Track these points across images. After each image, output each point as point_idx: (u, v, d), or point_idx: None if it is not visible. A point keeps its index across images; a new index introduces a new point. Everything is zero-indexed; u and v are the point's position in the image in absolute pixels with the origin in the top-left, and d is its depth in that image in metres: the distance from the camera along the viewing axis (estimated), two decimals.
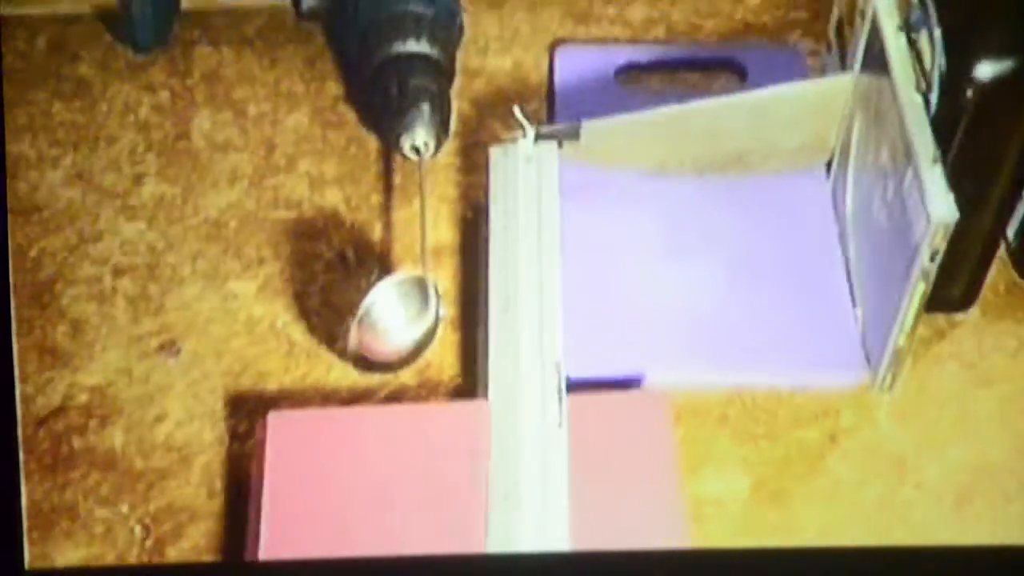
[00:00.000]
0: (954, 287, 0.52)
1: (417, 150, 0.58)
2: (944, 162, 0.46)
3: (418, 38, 0.60)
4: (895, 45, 0.49)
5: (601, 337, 0.54)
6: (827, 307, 0.55)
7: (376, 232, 0.59)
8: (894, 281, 0.49)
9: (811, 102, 0.56)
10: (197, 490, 0.51)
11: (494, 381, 0.51)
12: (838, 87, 0.55)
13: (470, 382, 0.54)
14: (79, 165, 0.61)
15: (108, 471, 0.51)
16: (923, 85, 0.48)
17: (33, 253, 0.58)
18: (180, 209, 0.60)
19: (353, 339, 0.52)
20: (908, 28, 0.49)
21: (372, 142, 0.62)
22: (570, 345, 0.52)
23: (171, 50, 0.65)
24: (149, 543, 0.49)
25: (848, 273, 0.55)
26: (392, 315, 0.52)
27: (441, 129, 0.59)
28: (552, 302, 0.53)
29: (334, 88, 0.64)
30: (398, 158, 0.60)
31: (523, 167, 0.56)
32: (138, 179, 0.61)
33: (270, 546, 0.47)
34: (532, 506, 0.47)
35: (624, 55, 0.64)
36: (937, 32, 0.46)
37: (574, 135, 0.57)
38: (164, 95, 0.64)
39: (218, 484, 0.51)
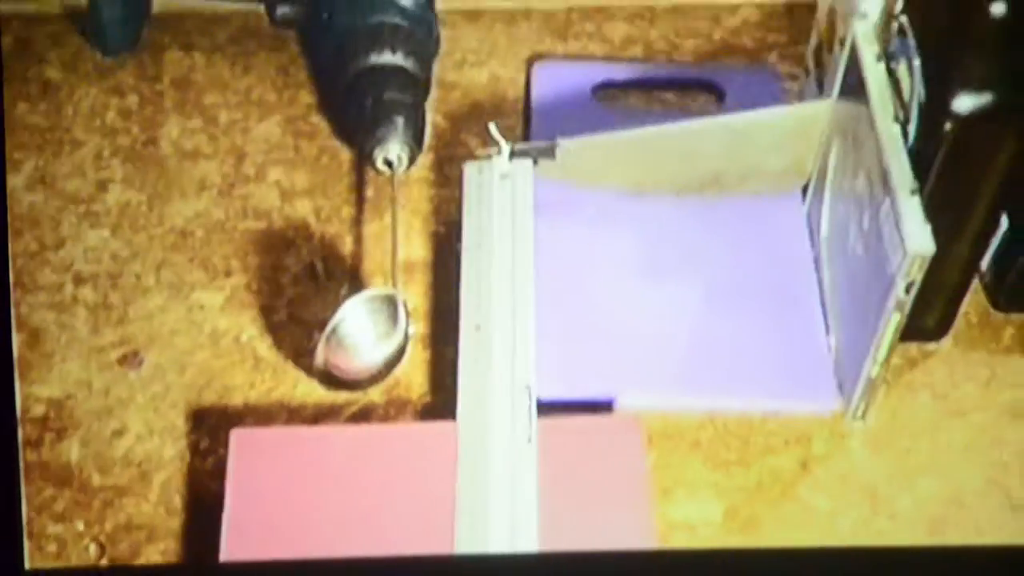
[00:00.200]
0: (928, 317, 0.52)
1: (390, 164, 0.57)
2: (921, 193, 0.45)
3: (394, 50, 0.59)
4: (873, 74, 0.49)
5: (572, 358, 0.53)
6: (801, 333, 0.54)
7: (346, 245, 0.58)
8: (869, 310, 0.49)
9: (789, 127, 0.56)
10: (156, 508, 0.49)
11: (463, 401, 0.50)
12: (816, 113, 0.55)
13: (439, 400, 0.53)
14: (42, 169, 0.60)
15: (63, 487, 0.50)
16: (901, 115, 0.47)
17: None
18: (146, 217, 0.58)
19: (320, 356, 0.51)
20: (887, 57, 0.49)
21: (344, 153, 0.61)
22: (541, 366, 0.51)
23: (140, 54, 0.64)
24: (104, 562, 0.48)
25: (822, 300, 0.55)
26: (361, 332, 0.51)
27: (415, 143, 0.58)
28: (525, 322, 0.52)
29: (307, 97, 0.63)
30: (370, 171, 0.59)
31: (498, 184, 0.56)
32: (103, 185, 0.59)
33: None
34: (500, 528, 0.47)
35: (602, 72, 0.64)
36: (916, 62, 0.46)
37: (550, 153, 0.56)
38: (132, 100, 0.62)
39: (178, 502, 0.50)
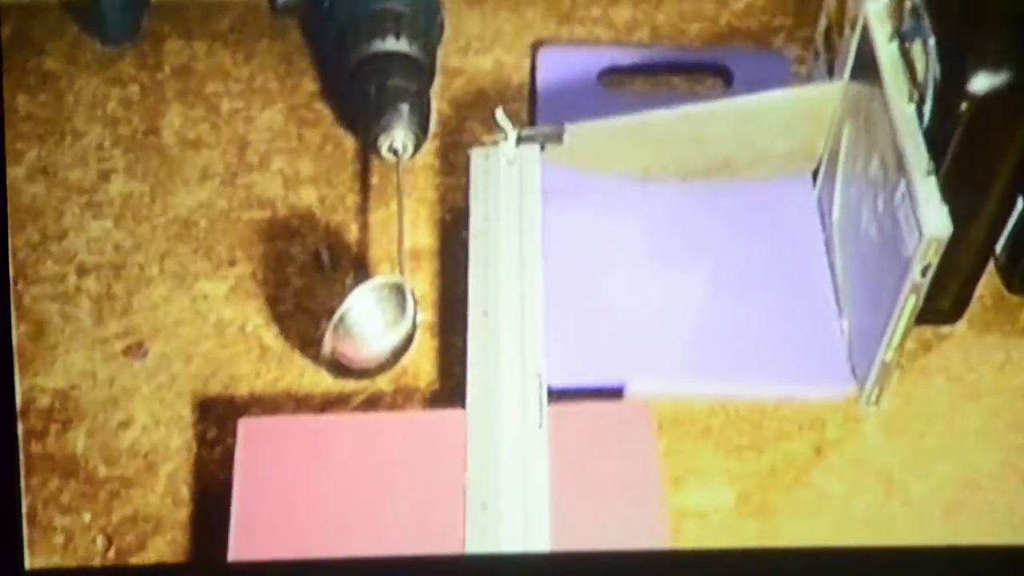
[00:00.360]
0: (943, 300, 0.51)
1: (395, 151, 0.57)
2: (937, 174, 0.45)
3: (397, 36, 0.58)
4: (887, 54, 0.48)
5: (582, 345, 0.52)
6: (813, 318, 0.54)
7: (352, 234, 0.57)
8: (883, 294, 0.48)
9: (799, 109, 0.55)
10: (163, 499, 0.49)
11: (473, 388, 0.49)
12: (827, 95, 0.54)
13: (447, 388, 0.52)
14: (44, 160, 0.59)
15: (69, 478, 0.49)
16: (916, 96, 0.47)
17: None
18: (148, 207, 0.58)
19: (328, 345, 0.50)
20: (901, 37, 0.48)
21: (349, 141, 0.60)
22: (550, 353, 0.50)
23: (140, 43, 0.63)
24: (111, 554, 0.47)
25: (834, 284, 0.54)
26: (369, 321, 0.50)
27: (420, 130, 0.57)
28: (534, 308, 0.51)
29: (310, 85, 0.62)
30: (375, 158, 0.58)
31: (505, 170, 0.55)
32: (105, 175, 0.59)
33: (240, 557, 0.45)
34: (512, 516, 0.46)
35: (608, 57, 0.63)
36: (931, 42, 0.46)
37: (557, 138, 0.56)
38: (133, 89, 0.62)
39: (185, 492, 0.49)
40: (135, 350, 0.53)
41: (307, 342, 0.53)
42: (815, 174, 0.57)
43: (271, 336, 0.54)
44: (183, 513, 0.48)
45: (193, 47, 0.63)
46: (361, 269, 0.56)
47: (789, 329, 0.53)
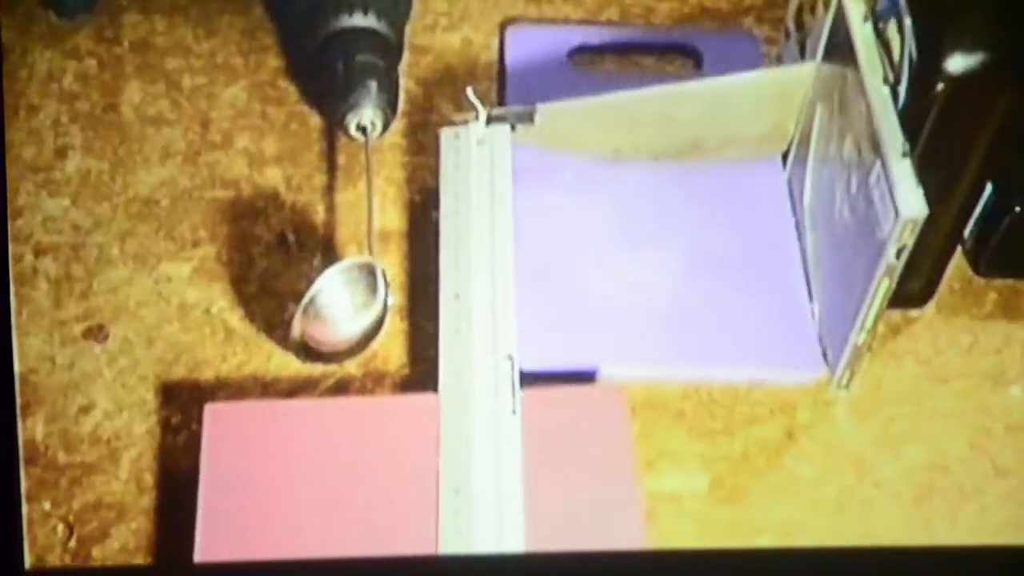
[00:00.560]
0: (913, 283, 0.51)
1: (363, 129, 0.55)
2: (911, 156, 0.45)
3: (365, 12, 0.57)
4: (861, 35, 0.48)
5: (554, 328, 0.52)
6: (784, 302, 0.54)
7: (319, 214, 0.56)
8: (856, 277, 0.48)
9: (770, 91, 0.55)
10: (126, 486, 0.48)
11: (445, 372, 0.49)
12: (799, 76, 0.54)
13: (418, 373, 0.51)
14: None
15: (28, 465, 0.48)
16: (890, 77, 0.46)
17: None
18: (108, 185, 0.56)
19: (297, 328, 0.49)
20: (875, 17, 0.48)
21: (314, 119, 0.59)
22: (522, 336, 0.50)
23: (98, 16, 0.61)
24: (72, 543, 0.46)
25: (805, 267, 0.54)
26: (339, 303, 0.49)
27: (388, 108, 0.56)
28: (505, 291, 0.51)
29: (274, 61, 0.61)
30: (342, 137, 0.57)
31: (475, 150, 0.54)
32: (61, 152, 0.57)
33: (207, 546, 0.44)
34: (485, 501, 0.45)
35: (577, 36, 0.62)
36: (908, 22, 0.45)
37: (528, 118, 0.55)
38: (90, 63, 0.60)
39: (149, 479, 0.48)
40: (95, 333, 0.51)
41: (274, 325, 0.52)
42: (785, 156, 0.57)
43: (236, 319, 0.53)
44: (147, 500, 0.47)
45: (153, 21, 0.61)
46: (328, 251, 0.55)
47: (760, 313, 0.53)
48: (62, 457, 0.48)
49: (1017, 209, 0.51)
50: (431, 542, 0.45)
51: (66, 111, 0.58)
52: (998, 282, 0.55)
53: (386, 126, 0.56)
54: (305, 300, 0.48)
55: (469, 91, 0.54)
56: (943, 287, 0.54)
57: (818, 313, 0.53)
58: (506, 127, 0.55)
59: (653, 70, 0.62)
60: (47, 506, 0.47)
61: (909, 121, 0.46)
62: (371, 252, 0.52)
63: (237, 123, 0.59)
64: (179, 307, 0.53)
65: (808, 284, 0.54)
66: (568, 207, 0.56)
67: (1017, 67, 0.44)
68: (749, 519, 0.48)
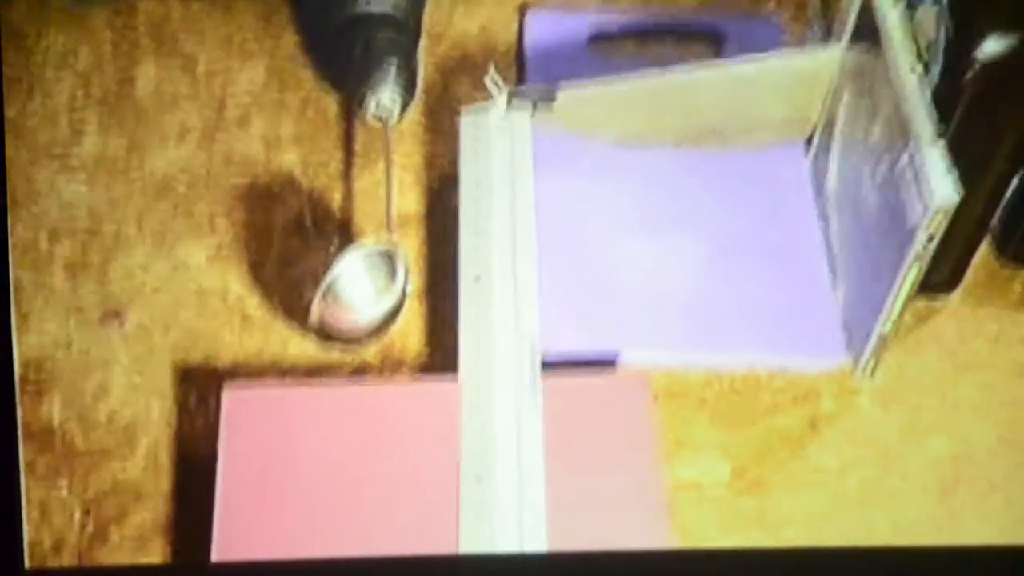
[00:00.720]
0: (939, 271, 0.51)
1: (382, 112, 0.55)
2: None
3: None
4: (892, 18, 0.47)
5: (575, 314, 0.51)
6: (807, 289, 0.53)
7: (336, 199, 0.55)
8: (883, 264, 0.47)
9: (795, 75, 0.54)
10: (143, 470, 0.47)
11: (465, 358, 0.48)
12: (825, 59, 0.53)
13: (436, 359, 0.51)
14: (11, 119, 0.57)
15: (45, 449, 0.47)
16: (921, 60, 0.46)
17: None
18: (124, 169, 0.56)
19: (315, 313, 0.48)
20: (907, 1, 0.47)
21: (331, 103, 0.58)
22: (543, 322, 0.49)
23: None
24: (90, 527, 0.46)
25: (828, 254, 0.53)
26: (358, 288, 0.49)
27: (407, 91, 0.55)
28: (527, 275, 0.50)
29: (291, 44, 0.60)
30: (359, 121, 0.57)
31: (495, 134, 0.54)
32: (77, 134, 0.56)
33: (225, 533, 0.43)
34: (507, 488, 0.45)
35: (597, 21, 0.62)
36: (942, 4, 0.45)
37: (549, 99, 0.54)
38: (106, 46, 0.59)
39: (166, 464, 0.48)
40: (112, 318, 0.51)
41: (291, 310, 0.52)
42: (808, 142, 0.56)
43: (253, 304, 0.52)
44: (164, 485, 0.47)
45: (168, 2, 0.61)
46: (346, 235, 0.54)
47: (783, 300, 0.53)
48: (79, 442, 0.48)
49: None
50: (451, 530, 0.44)
51: (81, 93, 0.58)
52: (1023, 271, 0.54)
53: (404, 108, 0.56)
54: (324, 285, 0.48)
55: (490, 73, 0.53)
56: (969, 276, 0.53)
57: (842, 300, 0.52)
58: (526, 110, 0.54)
59: (674, 55, 0.61)
60: (64, 491, 0.46)
61: (940, 106, 0.45)
62: (391, 237, 0.51)
63: (253, 106, 0.58)
64: (196, 292, 0.52)
65: (832, 271, 0.53)
66: (588, 192, 0.55)
67: None
68: (772, 509, 0.48)
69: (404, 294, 0.50)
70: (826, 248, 0.54)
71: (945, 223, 0.44)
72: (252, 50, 0.60)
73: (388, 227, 0.52)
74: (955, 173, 0.44)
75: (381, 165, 0.55)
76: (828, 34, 0.54)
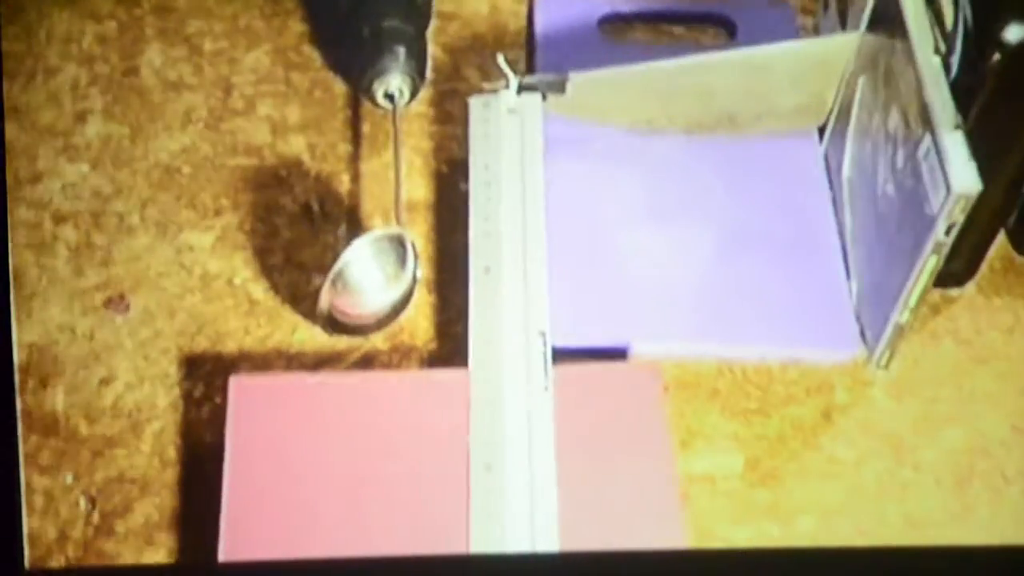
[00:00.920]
0: (956, 261, 0.50)
1: (391, 97, 0.54)
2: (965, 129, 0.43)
3: None
4: (912, 3, 0.46)
5: (585, 304, 0.51)
6: (820, 278, 0.52)
7: (343, 184, 0.55)
8: (900, 254, 0.47)
9: (810, 61, 0.53)
10: (149, 459, 0.47)
11: (475, 347, 0.47)
12: (840, 46, 0.52)
13: (445, 348, 0.50)
14: (15, 99, 0.56)
15: (49, 437, 0.47)
16: (942, 46, 0.45)
17: None
18: (128, 151, 0.55)
19: (324, 300, 0.48)
20: None
21: (339, 86, 0.57)
22: (553, 312, 0.48)
23: None
24: (95, 517, 0.45)
25: (842, 244, 0.53)
26: (368, 275, 0.48)
27: (416, 75, 0.55)
28: (537, 265, 0.49)
29: (298, 26, 0.59)
30: (367, 105, 0.56)
31: (506, 119, 0.53)
32: (81, 116, 0.56)
33: (232, 524, 0.43)
34: (517, 479, 0.44)
35: (608, 4, 0.61)
36: None
37: (560, 87, 0.53)
38: (110, 25, 0.58)
39: (172, 453, 0.47)
40: (116, 303, 0.50)
41: (298, 297, 0.51)
42: (821, 129, 0.56)
43: (260, 290, 0.51)
44: (170, 474, 0.46)
45: None
46: (353, 221, 0.54)
47: (796, 290, 0.52)
48: (84, 429, 0.47)
49: None
50: (461, 522, 0.43)
51: (85, 74, 0.57)
52: None
53: (414, 94, 0.55)
54: (333, 271, 0.47)
55: (500, 59, 0.53)
56: (984, 266, 0.52)
57: (856, 290, 0.51)
58: (537, 96, 0.53)
59: (685, 39, 0.61)
60: (69, 479, 0.46)
61: (959, 98, 0.44)
62: (399, 223, 0.50)
63: (260, 89, 0.57)
64: (201, 277, 0.51)
65: (845, 261, 0.52)
66: (599, 180, 0.55)
67: None
68: (786, 501, 0.47)
69: (415, 281, 0.49)
70: (839, 238, 0.53)
71: (966, 211, 0.43)
72: (258, 33, 0.59)
73: (397, 214, 0.51)
74: (976, 162, 0.43)
75: (389, 149, 0.54)
76: (841, 20, 0.53)
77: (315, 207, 0.54)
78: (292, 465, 0.44)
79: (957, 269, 0.51)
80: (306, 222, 0.53)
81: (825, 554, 0.43)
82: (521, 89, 0.53)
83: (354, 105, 0.57)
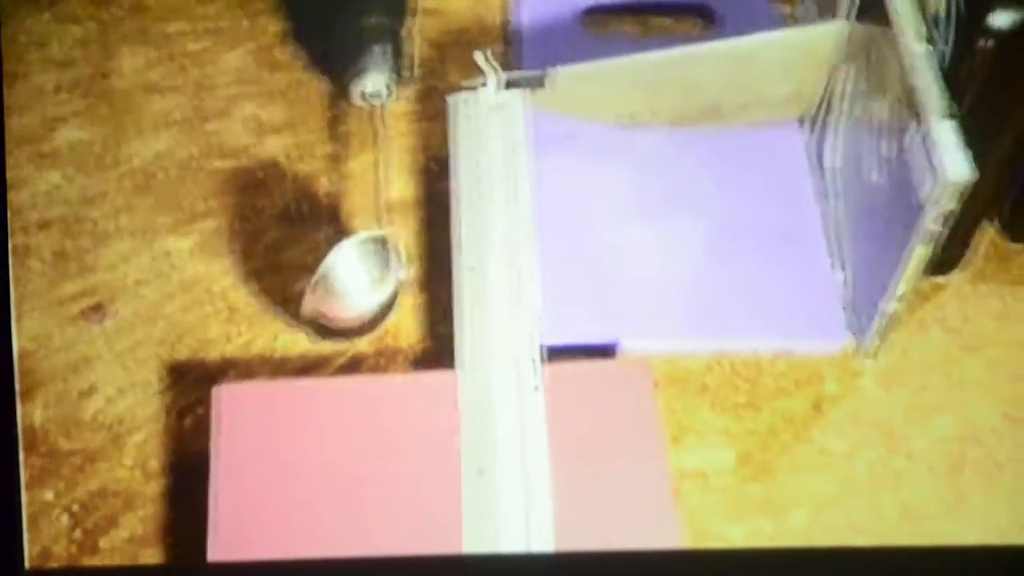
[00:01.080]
0: (945, 249, 0.50)
1: (374, 95, 0.53)
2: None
3: None
4: None
5: (572, 301, 0.50)
6: (808, 269, 0.52)
7: (325, 185, 0.54)
8: (890, 244, 0.46)
9: (796, 51, 0.53)
10: (132, 472, 0.46)
11: (462, 349, 0.47)
12: (826, 35, 0.52)
13: (433, 348, 0.50)
14: None
15: (28, 452, 0.46)
16: (931, 35, 0.44)
17: None
18: (103, 157, 0.54)
19: (308, 305, 0.47)
20: None
21: (319, 85, 0.57)
22: (542, 310, 0.48)
23: None
24: (78, 533, 0.44)
25: (828, 234, 0.52)
26: (353, 278, 0.47)
27: (399, 74, 0.54)
28: (526, 263, 0.49)
29: (275, 25, 0.58)
30: (347, 104, 0.55)
31: (489, 117, 0.52)
32: (55, 122, 0.55)
33: (223, 534, 0.42)
34: (510, 481, 0.44)
35: None
36: None
37: (542, 83, 0.53)
38: (85, 28, 0.57)
39: (156, 465, 0.46)
40: (95, 312, 0.49)
41: (281, 302, 0.50)
42: (805, 120, 0.55)
43: (242, 296, 0.50)
44: (155, 487, 0.45)
45: None
46: (336, 223, 0.53)
47: (784, 281, 0.51)
48: (63, 443, 0.46)
49: None
50: (455, 525, 0.43)
51: (60, 78, 0.56)
52: None
53: (396, 92, 0.54)
54: (317, 276, 0.46)
55: (480, 56, 0.52)
56: (971, 253, 0.52)
57: (844, 281, 0.51)
58: (520, 92, 0.53)
59: (666, 31, 0.60)
60: (50, 495, 0.45)
61: (949, 82, 0.44)
62: (382, 224, 0.49)
63: (238, 90, 0.56)
64: (181, 284, 0.50)
65: (831, 252, 0.52)
66: (584, 175, 0.54)
67: None
68: (778, 495, 0.47)
69: (399, 283, 0.48)
70: (826, 228, 0.53)
71: (958, 200, 0.42)
72: (236, 33, 0.58)
73: (380, 215, 0.50)
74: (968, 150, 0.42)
75: (371, 149, 0.53)
76: (818, 7, 0.53)
77: (297, 209, 0.53)
78: (281, 474, 0.44)
79: (945, 257, 0.51)
80: (288, 225, 0.52)
81: (822, 554, 0.43)
82: (502, 85, 0.52)
83: (334, 104, 0.56)
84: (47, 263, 0.51)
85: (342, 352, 0.49)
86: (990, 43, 0.42)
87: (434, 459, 0.44)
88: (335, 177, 0.54)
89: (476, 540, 0.43)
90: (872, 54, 0.48)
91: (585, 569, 0.41)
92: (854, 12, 0.50)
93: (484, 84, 0.52)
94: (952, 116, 0.43)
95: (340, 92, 0.55)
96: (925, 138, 0.43)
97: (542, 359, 0.47)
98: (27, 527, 0.44)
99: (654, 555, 0.41)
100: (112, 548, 0.44)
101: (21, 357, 0.48)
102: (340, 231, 0.52)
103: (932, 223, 0.43)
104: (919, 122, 0.43)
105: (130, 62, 0.56)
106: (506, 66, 0.57)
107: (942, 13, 0.44)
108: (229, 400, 0.45)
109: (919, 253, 0.45)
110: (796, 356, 0.50)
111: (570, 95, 0.53)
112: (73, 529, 0.44)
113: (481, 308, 0.48)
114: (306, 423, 0.45)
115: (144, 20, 0.57)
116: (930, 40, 0.44)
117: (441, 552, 0.42)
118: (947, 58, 0.44)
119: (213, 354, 0.49)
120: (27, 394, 0.47)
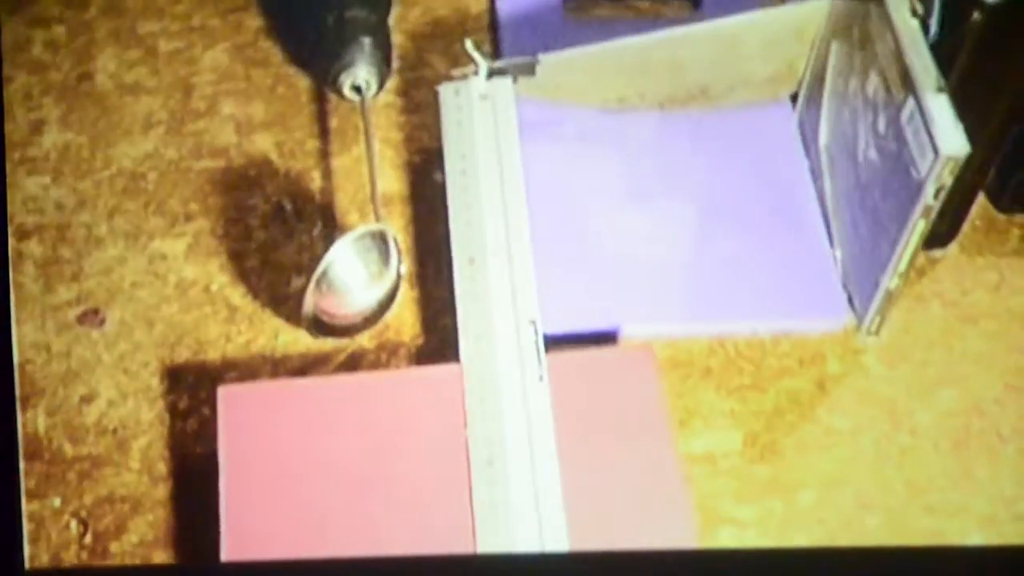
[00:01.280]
0: (940, 223, 0.50)
1: (358, 89, 0.53)
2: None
3: None
4: None
5: (570, 289, 0.50)
6: (803, 249, 0.52)
7: (315, 181, 0.53)
8: (886, 220, 0.46)
9: (782, 29, 0.53)
10: (138, 476, 0.45)
11: (465, 341, 0.46)
12: (812, 12, 0.52)
13: (433, 342, 0.49)
14: None
15: (33, 460, 0.45)
16: (919, 9, 0.45)
17: None
18: (89, 161, 0.53)
19: (309, 302, 0.46)
20: None
21: (302, 80, 0.56)
22: (539, 299, 0.48)
23: None
24: (88, 539, 0.44)
25: (824, 212, 0.52)
26: (353, 274, 0.47)
27: (383, 65, 0.53)
28: (522, 253, 0.48)
29: (255, 21, 0.58)
30: (332, 98, 0.54)
31: (478, 106, 0.52)
32: (36, 127, 0.54)
33: (233, 536, 0.42)
34: (520, 472, 0.44)
35: None
36: None
37: (530, 69, 0.52)
38: (59, 30, 0.56)
39: (162, 468, 0.45)
40: (91, 318, 0.49)
41: (278, 300, 0.50)
42: (794, 97, 0.55)
43: (238, 295, 0.50)
44: (162, 490, 0.45)
45: None
46: (328, 219, 0.52)
47: (781, 261, 0.52)
48: (68, 450, 0.45)
49: None
50: (465, 519, 0.43)
51: (38, 83, 0.55)
52: (1020, 218, 0.53)
53: (381, 84, 0.53)
54: (317, 273, 0.46)
55: (468, 44, 0.51)
56: (965, 225, 0.52)
57: (841, 259, 0.51)
58: (508, 80, 0.52)
59: (649, 13, 0.60)
60: (57, 502, 0.44)
61: (940, 56, 0.44)
62: (378, 218, 0.49)
63: (221, 88, 0.55)
64: (177, 285, 0.50)
65: (827, 230, 0.52)
66: (574, 161, 0.54)
67: None
68: (786, 476, 0.47)
69: (399, 277, 0.48)
70: (820, 206, 0.53)
71: (955, 173, 0.43)
72: (215, 31, 0.57)
73: (375, 209, 0.50)
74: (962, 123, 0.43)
75: (359, 143, 0.53)
76: None
77: (288, 206, 0.52)
78: (289, 472, 0.43)
79: (940, 230, 0.51)
80: (279, 222, 0.52)
81: (830, 554, 0.43)
82: (491, 74, 0.52)
83: (319, 99, 0.55)
84: (41, 269, 0.50)
85: (343, 348, 0.49)
86: (979, 16, 0.42)
87: (441, 453, 0.44)
88: (324, 173, 0.53)
89: (487, 531, 0.43)
90: (858, 30, 0.48)
91: (599, 569, 0.40)
92: None
93: (474, 73, 0.52)
94: (944, 90, 0.43)
95: (324, 87, 0.54)
96: (919, 113, 0.43)
97: (545, 348, 0.46)
98: (35, 533, 0.43)
99: (669, 555, 0.41)
100: (123, 553, 0.43)
101: (20, 365, 0.47)
102: (332, 227, 0.51)
103: (929, 198, 0.43)
104: (912, 97, 0.43)
105: (107, 64, 0.55)
106: (490, 54, 0.57)
107: None
108: (234, 401, 0.44)
109: (918, 228, 0.45)
110: (798, 336, 0.50)
111: (557, 81, 0.53)
112: (83, 535, 0.44)
113: (481, 300, 0.47)
114: (313, 422, 0.44)
115: (116, 20, 0.57)
116: (919, 14, 0.44)
117: (451, 545, 0.42)
118: (936, 31, 0.44)
119: (213, 355, 0.48)
120: (28, 402, 0.47)
